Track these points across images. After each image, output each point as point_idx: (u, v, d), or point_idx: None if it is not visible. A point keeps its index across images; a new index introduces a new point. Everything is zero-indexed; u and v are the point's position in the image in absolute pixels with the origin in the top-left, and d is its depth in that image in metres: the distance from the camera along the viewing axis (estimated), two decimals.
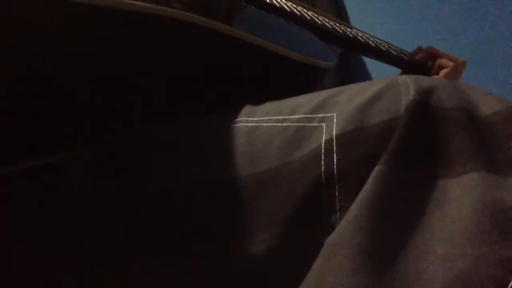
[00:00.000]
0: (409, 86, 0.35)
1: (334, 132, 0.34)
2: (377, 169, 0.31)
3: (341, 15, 0.91)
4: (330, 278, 0.30)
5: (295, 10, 0.60)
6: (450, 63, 0.82)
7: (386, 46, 0.75)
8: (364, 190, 0.31)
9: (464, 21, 1.01)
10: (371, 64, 1.00)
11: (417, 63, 0.81)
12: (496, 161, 0.31)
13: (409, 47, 0.86)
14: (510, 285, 0.27)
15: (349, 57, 0.94)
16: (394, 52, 0.75)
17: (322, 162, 0.34)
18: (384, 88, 0.36)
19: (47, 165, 0.40)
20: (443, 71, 0.82)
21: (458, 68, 0.82)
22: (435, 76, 0.81)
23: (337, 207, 0.32)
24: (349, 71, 0.95)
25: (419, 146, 0.32)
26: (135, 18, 0.38)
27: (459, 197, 0.30)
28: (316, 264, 0.31)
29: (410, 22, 1.05)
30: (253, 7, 0.58)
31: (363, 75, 0.97)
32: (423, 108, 0.33)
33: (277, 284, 0.33)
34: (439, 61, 0.83)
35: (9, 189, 0.39)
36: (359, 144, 0.33)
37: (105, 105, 0.42)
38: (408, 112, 0.33)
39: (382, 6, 1.08)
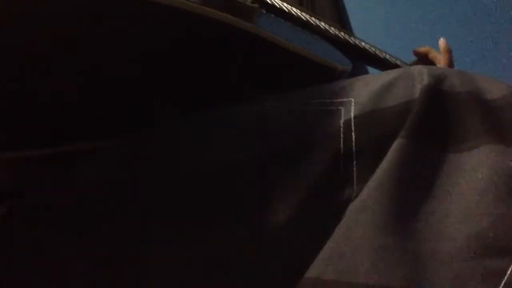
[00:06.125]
0: (423, 73, 0.38)
1: (352, 114, 0.37)
2: (397, 142, 0.35)
3: (341, 18, 0.93)
4: (356, 241, 0.32)
5: (310, 20, 0.65)
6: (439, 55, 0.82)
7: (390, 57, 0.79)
8: (385, 161, 0.34)
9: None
10: None
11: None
12: (505, 135, 0.34)
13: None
14: None
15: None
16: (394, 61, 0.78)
17: (341, 140, 0.37)
18: (399, 76, 0.39)
19: (71, 152, 0.41)
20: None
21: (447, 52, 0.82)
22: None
23: (355, 180, 0.35)
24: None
25: (434, 125, 0.36)
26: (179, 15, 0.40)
27: (475, 167, 0.33)
28: (340, 230, 0.33)
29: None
30: (272, 15, 0.62)
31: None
32: (437, 92, 0.37)
33: (295, 250, 0.35)
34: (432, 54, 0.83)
35: (37, 171, 0.41)
36: (376, 124, 0.37)
37: (134, 100, 0.43)
38: (423, 95, 0.36)
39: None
